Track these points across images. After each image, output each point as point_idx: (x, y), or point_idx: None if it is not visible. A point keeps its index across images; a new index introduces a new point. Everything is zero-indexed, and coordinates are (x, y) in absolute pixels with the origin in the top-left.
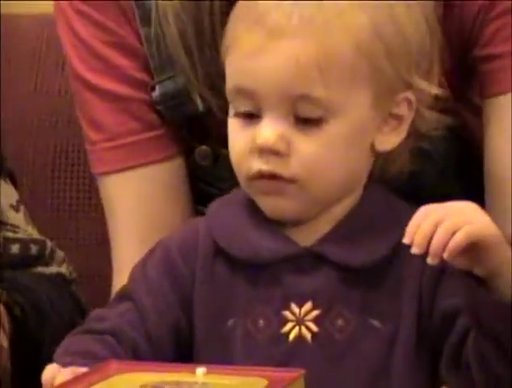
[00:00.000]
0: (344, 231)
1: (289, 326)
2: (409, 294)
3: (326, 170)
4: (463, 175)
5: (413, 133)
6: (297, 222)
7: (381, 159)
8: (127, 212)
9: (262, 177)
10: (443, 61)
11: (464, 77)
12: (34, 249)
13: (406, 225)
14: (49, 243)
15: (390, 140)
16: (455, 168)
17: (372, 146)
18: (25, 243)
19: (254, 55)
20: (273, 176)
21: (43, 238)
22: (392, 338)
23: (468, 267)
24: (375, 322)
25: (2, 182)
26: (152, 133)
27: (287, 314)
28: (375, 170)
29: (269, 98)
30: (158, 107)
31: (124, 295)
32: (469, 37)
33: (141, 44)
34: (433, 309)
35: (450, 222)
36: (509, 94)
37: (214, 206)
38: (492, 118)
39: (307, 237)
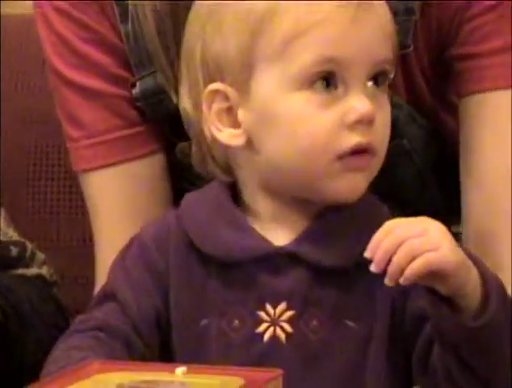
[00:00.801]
0: (319, 231)
1: (264, 326)
2: (382, 295)
3: (387, 141)
4: (441, 174)
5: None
6: (273, 220)
7: None
8: (109, 209)
9: (354, 153)
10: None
11: (441, 76)
12: (14, 251)
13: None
14: (29, 245)
15: None
16: (433, 167)
17: None
18: (5, 245)
19: (349, 26)
20: (364, 150)
21: (23, 240)
22: (367, 338)
23: (430, 285)
24: (350, 323)
25: None
26: (132, 130)
27: (261, 314)
28: None
29: (360, 66)
30: (139, 104)
31: (106, 294)
32: (446, 36)
33: (121, 40)
34: (405, 309)
35: (410, 245)
36: (485, 93)
37: (187, 200)
38: (468, 116)
39: (281, 236)
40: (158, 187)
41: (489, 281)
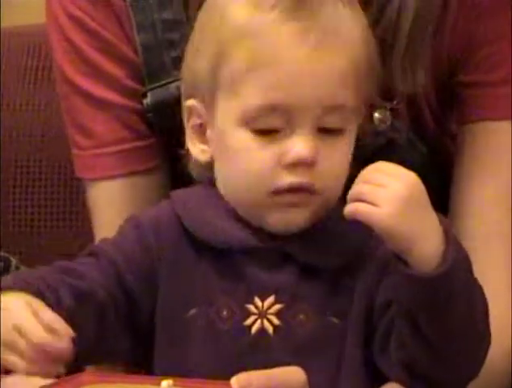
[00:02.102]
0: (309, 232)
1: (252, 319)
2: (359, 292)
3: (341, 179)
4: (438, 205)
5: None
6: None
7: None
8: (112, 221)
9: (289, 191)
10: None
11: (446, 104)
12: None
13: (368, 232)
14: (14, 260)
15: None
16: (430, 197)
17: None
18: None
19: (296, 72)
20: (300, 189)
21: (6, 254)
22: (345, 333)
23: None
24: (334, 320)
25: None
26: (142, 143)
27: (250, 307)
28: None
29: (304, 113)
30: (149, 115)
31: (88, 252)
32: (457, 62)
33: (134, 52)
34: (374, 305)
35: (360, 189)
36: (487, 122)
37: (177, 193)
38: (466, 143)
39: (273, 235)
40: (161, 200)
41: (450, 248)
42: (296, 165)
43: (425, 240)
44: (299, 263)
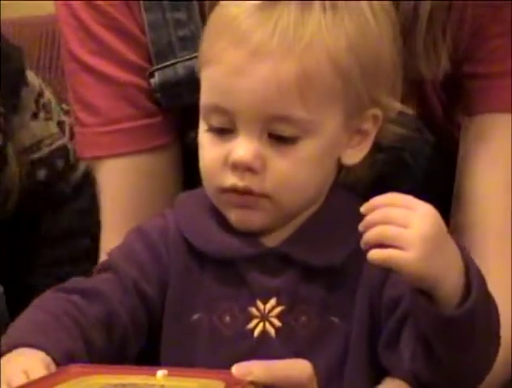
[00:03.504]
0: (307, 234)
1: (254, 322)
2: (361, 292)
3: (298, 186)
4: (443, 193)
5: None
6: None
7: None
8: (116, 199)
9: (234, 191)
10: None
11: (452, 94)
12: None
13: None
14: None
15: (355, 154)
16: (435, 186)
17: (338, 160)
18: None
19: (234, 74)
20: (246, 191)
21: None
22: (349, 333)
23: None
24: (336, 320)
25: None
26: (148, 121)
27: (252, 310)
28: (337, 178)
29: (246, 117)
30: (156, 95)
31: (104, 267)
32: (464, 53)
33: (142, 31)
34: (381, 303)
35: (384, 232)
36: (493, 114)
37: (181, 199)
38: (471, 135)
39: (272, 238)
40: (167, 181)
41: (473, 280)
42: (237, 167)
43: (449, 275)
44: (298, 264)
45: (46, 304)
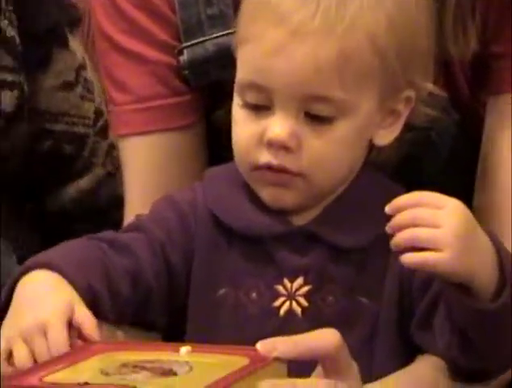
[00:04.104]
0: (336, 213)
1: (280, 300)
2: (392, 272)
3: (331, 166)
4: (467, 172)
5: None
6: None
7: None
8: (141, 177)
9: (268, 168)
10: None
11: (478, 71)
12: None
13: None
14: None
15: (387, 135)
16: (462, 165)
17: (370, 140)
18: None
19: (274, 54)
20: (281, 169)
21: None
22: (377, 313)
23: None
24: (364, 300)
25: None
26: (176, 99)
27: (279, 288)
28: (367, 158)
29: (284, 96)
30: (185, 72)
31: (132, 227)
32: (492, 33)
33: (171, 8)
34: (411, 283)
35: (417, 235)
36: None
37: (211, 174)
38: (496, 115)
39: (301, 216)
40: (193, 160)
41: (506, 268)
42: (273, 145)
43: (483, 267)
44: (326, 244)
45: (77, 243)
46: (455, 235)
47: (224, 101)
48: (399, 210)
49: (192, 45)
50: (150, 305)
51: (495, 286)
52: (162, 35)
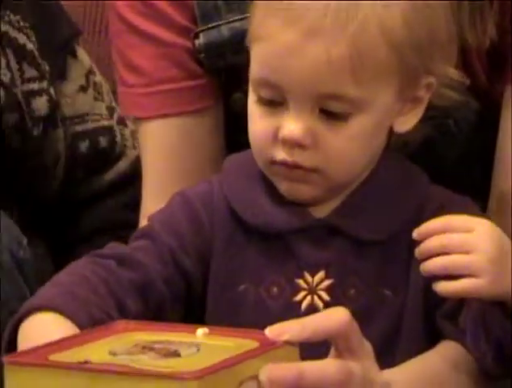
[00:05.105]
0: (356, 204)
1: (302, 294)
2: (416, 262)
3: (349, 161)
4: (488, 164)
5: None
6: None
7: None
8: (158, 161)
9: (284, 165)
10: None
11: (496, 61)
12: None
13: (420, 200)
14: None
15: (408, 121)
16: (480, 154)
17: (391, 127)
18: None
19: (287, 53)
20: (296, 166)
21: None
22: (402, 306)
23: None
24: (387, 292)
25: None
26: (192, 82)
27: (300, 282)
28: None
29: (297, 94)
30: (200, 56)
31: (144, 233)
32: (509, 22)
33: None
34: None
35: (452, 262)
36: None
37: (230, 164)
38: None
39: (320, 208)
40: (210, 143)
41: None
42: (287, 143)
43: None
44: (348, 236)
45: (78, 267)
46: (491, 260)
47: (241, 84)
48: (428, 235)
49: (208, 29)
50: (165, 315)
51: None
52: (179, 18)
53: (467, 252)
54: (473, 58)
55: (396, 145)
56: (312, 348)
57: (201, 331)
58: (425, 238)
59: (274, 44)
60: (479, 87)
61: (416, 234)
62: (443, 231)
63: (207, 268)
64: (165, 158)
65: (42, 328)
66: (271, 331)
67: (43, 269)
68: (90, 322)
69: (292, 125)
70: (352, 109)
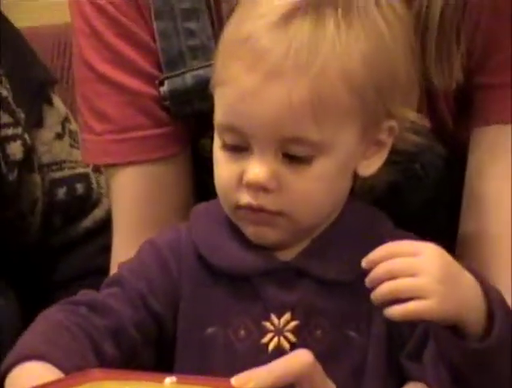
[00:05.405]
0: (322, 247)
1: (269, 336)
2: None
3: (314, 204)
4: (452, 207)
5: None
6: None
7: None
8: (127, 208)
9: (249, 209)
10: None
11: (463, 106)
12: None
13: (381, 241)
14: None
15: (372, 165)
16: (447, 198)
17: (355, 171)
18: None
19: (249, 97)
20: (261, 209)
21: None
22: (366, 346)
23: None
24: (352, 333)
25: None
26: (158, 130)
27: (267, 324)
28: (354, 186)
29: (260, 138)
30: (165, 103)
31: (114, 280)
32: (476, 63)
33: (153, 38)
34: None
35: (400, 286)
36: (504, 125)
37: (198, 211)
38: (481, 147)
39: (286, 252)
40: (179, 189)
41: (494, 303)
42: (251, 186)
43: (470, 306)
44: (313, 278)
45: (54, 315)
46: (437, 280)
47: (209, 131)
48: (375, 263)
49: (172, 76)
50: (138, 358)
51: (484, 323)
52: (145, 66)
53: (413, 275)
54: (440, 102)
55: (361, 190)
56: None
57: (169, 380)
58: (374, 267)
59: (236, 88)
60: (445, 132)
61: (364, 262)
62: (390, 257)
63: (177, 311)
64: (134, 205)
65: (32, 377)
66: (237, 380)
67: (9, 317)
68: (73, 369)
69: (257, 169)
70: (314, 152)
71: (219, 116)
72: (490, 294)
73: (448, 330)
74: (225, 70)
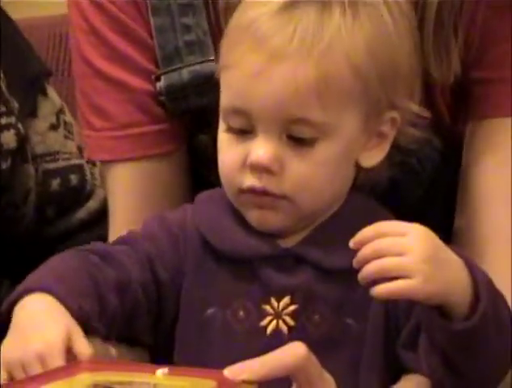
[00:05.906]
0: (323, 235)
1: (268, 319)
2: None
3: (316, 188)
4: (448, 200)
5: (397, 148)
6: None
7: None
8: (123, 204)
9: (252, 192)
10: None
11: (459, 99)
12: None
13: None
14: None
15: (373, 156)
16: (443, 193)
17: (357, 162)
18: None
19: (254, 78)
20: (264, 192)
21: None
22: (363, 335)
23: None
24: (350, 320)
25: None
26: (156, 127)
27: (266, 307)
28: (356, 179)
29: (265, 119)
30: (162, 98)
31: (122, 240)
32: (473, 57)
33: (150, 34)
34: (397, 305)
35: (386, 264)
36: (500, 119)
37: (202, 197)
38: (477, 140)
39: (288, 239)
40: (175, 186)
41: (480, 285)
42: (255, 168)
43: (456, 286)
44: (313, 265)
45: (66, 258)
46: (423, 260)
47: (206, 127)
48: (362, 244)
49: (169, 72)
50: (137, 319)
51: (470, 302)
52: (142, 62)
53: (399, 254)
54: (437, 96)
55: (363, 188)
56: (274, 385)
57: (160, 372)
58: (361, 247)
59: (241, 70)
60: (442, 126)
61: (351, 242)
62: (377, 237)
63: (180, 288)
64: (131, 200)
65: (36, 313)
66: (230, 371)
67: None
68: (80, 312)
69: (261, 150)
70: (319, 134)
71: (224, 100)
72: (477, 277)
73: (435, 310)
74: (230, 54)
